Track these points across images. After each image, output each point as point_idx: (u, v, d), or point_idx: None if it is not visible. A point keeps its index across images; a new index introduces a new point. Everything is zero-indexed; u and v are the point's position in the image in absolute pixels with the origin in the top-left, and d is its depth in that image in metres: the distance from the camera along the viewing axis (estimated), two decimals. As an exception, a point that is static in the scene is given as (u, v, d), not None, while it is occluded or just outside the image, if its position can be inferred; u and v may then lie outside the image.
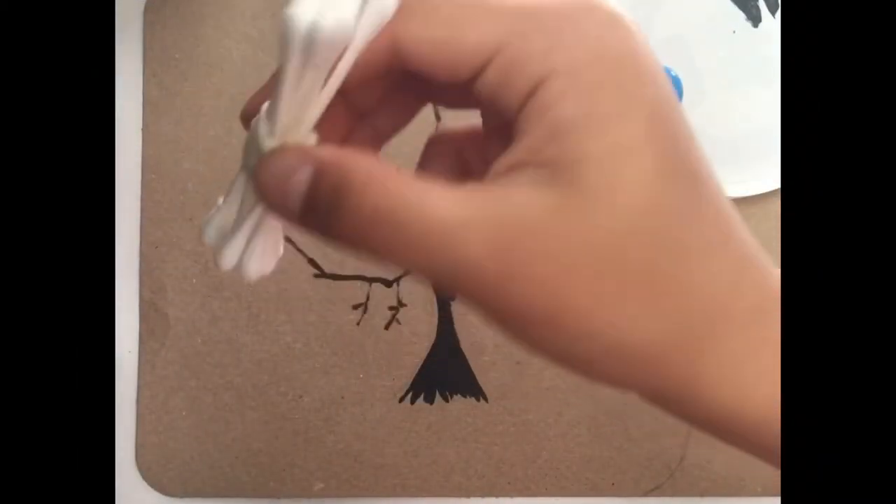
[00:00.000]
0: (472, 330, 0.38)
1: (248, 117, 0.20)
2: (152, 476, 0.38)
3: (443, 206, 0.17)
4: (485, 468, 0.38)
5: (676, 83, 0.38)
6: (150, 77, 0.38)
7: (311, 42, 0.18)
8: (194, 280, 0.38)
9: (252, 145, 0.19)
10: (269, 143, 0.19)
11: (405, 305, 0.38)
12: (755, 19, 0.38)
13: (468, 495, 0.38)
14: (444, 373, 0.38)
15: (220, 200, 0.22)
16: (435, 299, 0.38)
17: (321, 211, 0.18)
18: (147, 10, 0.39)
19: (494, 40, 0.17)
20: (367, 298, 0.38)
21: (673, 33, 0.38)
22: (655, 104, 0.19)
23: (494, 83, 0.17)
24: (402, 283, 0.38)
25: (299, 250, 0.38)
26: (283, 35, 0.18)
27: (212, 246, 0.23)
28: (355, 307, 0.38)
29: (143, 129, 0.38)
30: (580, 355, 0.18)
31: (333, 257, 0.38)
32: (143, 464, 0.38)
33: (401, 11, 0.18)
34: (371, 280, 0.38)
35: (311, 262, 0.38)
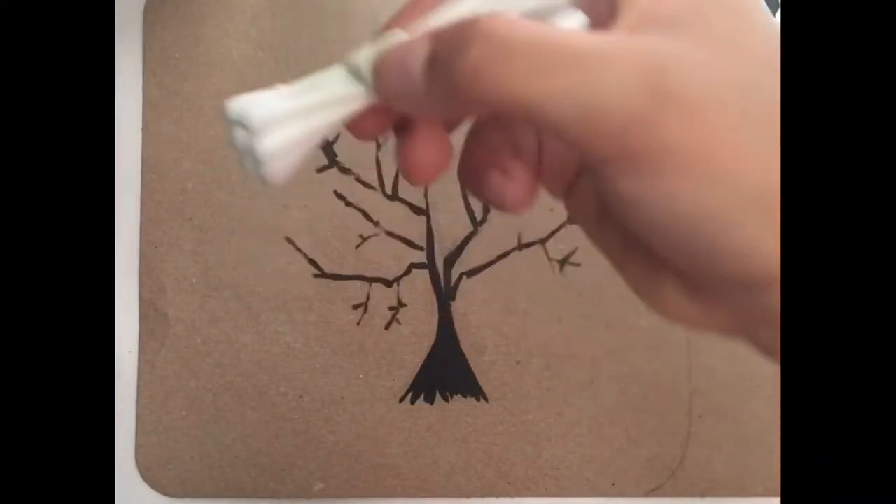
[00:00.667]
0: (472, 330, 0.38)
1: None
2: (152, 476, 0.38)
3: (585, 38, 0.16)
4: (485, 468, 0.38)
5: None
6: (150, 77, 0.38)
7: None
8: (194, 280, 0.38)
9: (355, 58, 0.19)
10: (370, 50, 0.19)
11: (405, 305, 0.38)
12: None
13: (468, 495, 0.38)
14: (444, 373, 0.38)
15: (279, 87, 0.20)
16: (435, 299, 0.38)
17: (445, 60, 0.16)
18: (147, 10, 0.39)
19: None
20: (367, 298, 0.38)
21: (673, 33, 0.38)
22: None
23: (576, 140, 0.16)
24: (402, 283, 0.38)
25: (299, 250, 0.38)
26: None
27: (244, 124, 0.21)
28: (355, 307, 0.38)
29: (143, 129, 0.38)
30: (716, 206, 0.17)
31: (333, 257, 0.38)
32: (142, 464, 0.38)
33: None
34: (371, 280, 0.38)
35: (312, 262, 0.38)
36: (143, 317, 0.38)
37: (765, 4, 0.20)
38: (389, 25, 0.19)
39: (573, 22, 0.18)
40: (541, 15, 0.17)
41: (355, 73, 0.19)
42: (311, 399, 0.38)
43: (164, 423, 0.38)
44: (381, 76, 0.18)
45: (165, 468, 0.38)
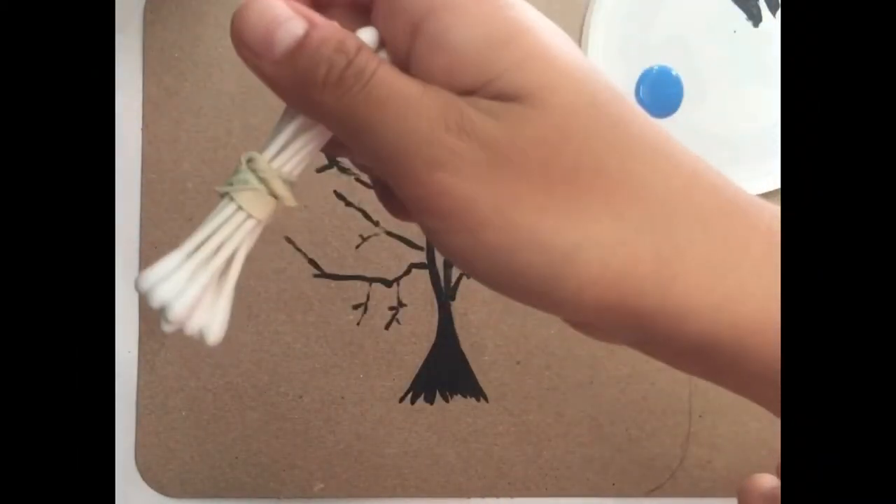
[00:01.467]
0: (472, 330, 0.38)
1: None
2: (152, 476, 0.38)
3: (398, 79, 0.17)
4: (485, 468, 0.38)
5: (676, 83, 0.38)
6: (150, 76, 0.38)
7: None
8: (194, 280, 0.38)
9: None
10: None
11: (405, 305, 0.38)
12: (755, 19, 0.38)
13: (468, 495, 0.38)
14: (444, 373, 0.38)
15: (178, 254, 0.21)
16: (435, 299, 0.38)
17: (310, 72, 0.18)
18: (147, 10, 0.39)
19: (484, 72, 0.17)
20: (367, 298, 0.38)
21: (673, 33, 0.38)
22: (546, 21, 0.18)
23: (379, 19, 0.18)
24: (402, 283, 0.38)
25: (299, 250, 0.38)
26: None
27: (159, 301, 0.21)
28: (355, 307, 0.38)
29: (143, 129, 0.38)
30: (533, 273, 0.17)
31: (333, 257, 0.38)
32: (142, 464, 0.38)
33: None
34: (371, 280, 0.38)
35: (311, 262, 0.38)
36: (143, 317, 0.38)
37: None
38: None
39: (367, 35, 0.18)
40: None
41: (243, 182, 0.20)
42: (311, 399, 0.38)
43: (164, 423, 0.38)
44: (241, 29, 0.19)
45: (165, 468, 0.38)
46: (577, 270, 0.16)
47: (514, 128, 0.16)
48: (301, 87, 0.19)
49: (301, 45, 0.18)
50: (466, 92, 0.17)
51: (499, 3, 0.17)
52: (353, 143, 0.18)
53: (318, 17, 0.18)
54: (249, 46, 0.19)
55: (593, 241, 0.16)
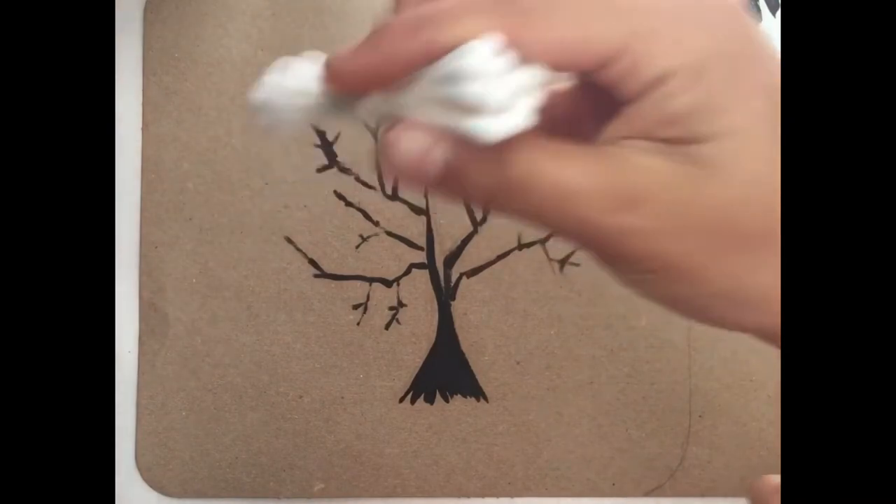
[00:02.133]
0: (472, 330, 0.38)
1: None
2: (152, 476, 0.38)
3: (572, 174, 0.19)
4: (485, 468, 0.38)
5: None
6: (150, 76, 0.38)
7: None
8: (194, 280, 0.38)
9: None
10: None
11: (405, 305, 0.38)
12: (755, 19, 0.38)
13: (468, 495, 0.38)
14: (444, 373, 0.38)
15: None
16: (435, 299, 0.38)
17: (452, 185, 0.19)
18: (147, 10, 0.39)
19: (619, 42, 0.18)
20: (367, 298, 0.38)
21: (673, 33, 0.38)
22: (769, 90, 0.20)
23: (616, 78, 0.18)
24: (403, 283, 0.38)
25: (299, 250, 0.38)
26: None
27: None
28: (355, 307, 0.38)
29: (143, 129, 0.38)
30: (693, 300, 0.20)
31: (333, 257, 0.38)
32: (142, 464, 0.38)
33: (519, 12, 0.18)
34: (371, 280, 0.38)
35: (311, 262, 0.38)
36: (143, 317, 0.38)
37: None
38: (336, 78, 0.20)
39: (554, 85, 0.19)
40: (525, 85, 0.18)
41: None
42: (311, 399, 0.38)
43: (164, 423, 0.38)
44: (392, 159, 0.19)
45: (165, 468, 0.38)
46: (771, 307, 0.20)
47: (694, 194, 0.18)
48: (466, 179, 0.20)
49: (452, 166, 0.19)
50: (639, 135, 0.19)
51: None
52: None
53: (456, 147, 0.19)
54: (404, 174, 0.19)
55: (748, 281, 0.20)
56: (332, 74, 0.20)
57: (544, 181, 0.19)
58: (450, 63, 0.18)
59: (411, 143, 0.19)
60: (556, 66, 0.18)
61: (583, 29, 0.18)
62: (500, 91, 0.18)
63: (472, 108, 0.18)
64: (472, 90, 0.17)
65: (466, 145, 0.18)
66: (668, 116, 0.18)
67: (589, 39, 0.18)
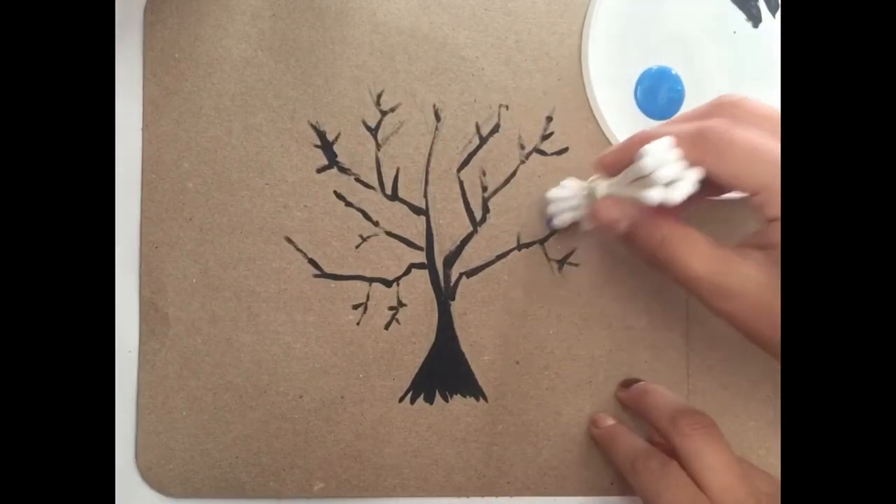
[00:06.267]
0: (472, 330, 0.38)
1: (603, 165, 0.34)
2: (152, 476, 0.38)
3: (695, 266, 0.30)
4: (485, 468, 0.38)
5: (677, 83, 0.38)
6: (150, 77, 0.38)
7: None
8: (194, 280, 0.38)
9: (592, 189, 0.33)
10: (602, 188, 0.33)
11: (405, 305, 0.38)
12: (755, 19, 0.38)
13: (468, 495, 0.38)
14: (444, 373, 0.38)
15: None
16: (435, 299, 0.38)
17: (630, 241, 0.32)
18: (147, 10, 0.39)
19: (758, 184, 0.28)
20: (367, 298, 0.38)
21: (673, 33, 0.38)
22: None
23: (755, 204, 0.29)
24: (402, 283, 0.38)
25: (299, 250, 0.38)
26: (643, 165, 0.29)
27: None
28: (355, 307, 0.38)
29: (143, 129, 0.38)
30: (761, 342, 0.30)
31: (333, 257, 0.38)
32: (143, 464, 0.38)
33: (703, 147, 0.29)
34: (371, 280, 0.38)
35: (311, 262, 0.38)
36: (143, 317, 0.38)
37: None
38: (599, 166, 0.34)
39: (691, 182, 0.29)
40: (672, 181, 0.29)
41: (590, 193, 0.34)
42: (311, 399, 0.38)
43: (164, 423, 0.38)
44: (599, 219, 0.32)
45: (165, 468, 0.38)
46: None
47: (775, 298, 0.28)
48: (636, 244, 0.32)
49: (629, 233, 0.32)
50: (758, 247, 0.29)
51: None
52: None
53: (640, 213, 0.31)
54: (604, 229, 0.32)
55: None
56: (600, 163, 0.33)
57: (677, 264, 0.30)
58: (647, 152, 0.29)
59: (611, 211, 0.32)
60: (723, 184, 0.29)
61: (737, 169, 0.28)
62: (669, 173, 0.28)
63: (650, 182, 0.29)
64: (661, 171, 0.29)
65: (640, 220, 0.31)
66: (777, 244, 0.28)
67: (738, 177, 0.28)
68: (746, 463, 0.34)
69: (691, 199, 0.32)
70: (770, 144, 0.28)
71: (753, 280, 0.29)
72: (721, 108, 0.31)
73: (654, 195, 0.29)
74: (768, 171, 0.28)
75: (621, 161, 0.32)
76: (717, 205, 0.35)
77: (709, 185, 0.30)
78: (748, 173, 0.28)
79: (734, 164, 0.28)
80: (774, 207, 0.28)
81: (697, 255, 0.30)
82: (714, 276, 0.29)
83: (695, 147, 0.29)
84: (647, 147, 0.29)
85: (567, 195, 0.36)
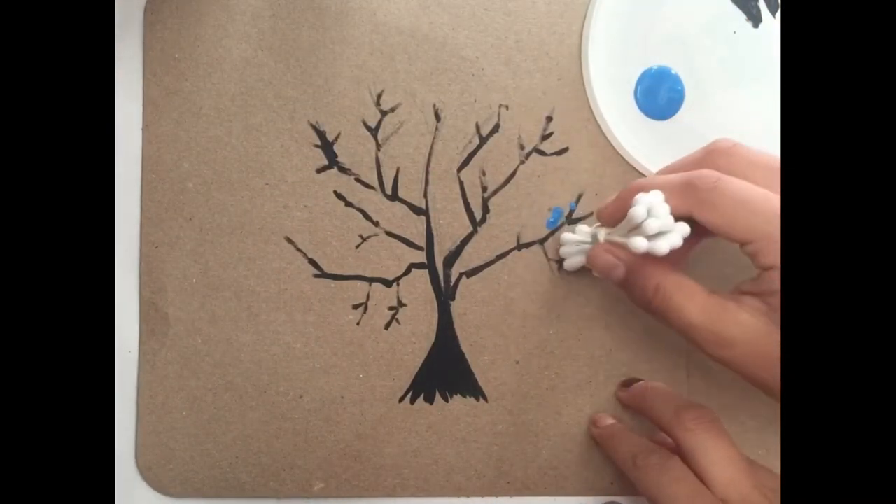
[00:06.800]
0: (472, 330, 0.38)
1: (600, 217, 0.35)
2: (152, 476, 0.38)
3: (691, 314, 0.30)
4: (485, 468, 0.38)
5: (677, 83, 0.38)
6: (150, 77, 0.38)
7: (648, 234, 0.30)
8: (194, 280, 0.38)
9: (595, 235, 0.35)
10: (602, 235, 0.34)
11: (405, 305, 0.38)
12: (755, 19, 0.38)
13: (468, 495, 0.38)
14: (444, 373, 0.38)
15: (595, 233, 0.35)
16: (435, 299, 0.38)
17: (627, 288, 0.33)
18: (147, 10, 0.39)
19: (750, 235, 0.29)
20: (367, 298, 0.38)
21: (673, 33, 0.38)
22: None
23: (748, 253, 0.29)
24: (402, 283, 0.38)
25: (299, 250, 0.38)
26: (633, 217, 0.30)
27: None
28: (355, 307, 0.38)
29: (143, 129, 0.38)
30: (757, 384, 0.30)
31: (333, 257, 0.38)
32: (143, 464, 0.38)
33: (695, 199, 0.30)
34: (371, 280, 0.38)
35: (311, 262, 0.38)
36: (144, 317, 0.38)
37: None
38: (598, 217, 0.36)
39: (680, 234, 0.30)
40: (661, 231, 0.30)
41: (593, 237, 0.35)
42: (311, 399, 0.38)
43: (164, 423, 0.38)
44: (593, 265, 0.34)
45: (165, 468, 0.38)
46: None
47: (773, 347, 0.29)
48: (631, 292, 0.33)
49: (624, 280, 0.33)
50: (755, 294, 0.30)
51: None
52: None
53: (635, 260, 0.32)
54: (600, 273, 0.34)
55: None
56: (598, 215, 0.35)
57: (673, 312, 0.31)
58: (639, 201, 0.30)
59: (606, 258, 0.33)
60: (715, 233, 0.30)
61: (727, 220, 0.29)
62: (656, 224, 0.29)
63: (642, 231, 0.30)
64: (648, 221, 0.29)
65: (635, 267, 0.32)
66: (772, 292, 0.29)
67: (729, 227, 0.29)
68: (749, 459, 0.34)
69: (689, 244, 0.33)
70: (760, 192, 0.29)
71: (751, 328, 0.29)
72: (713, 155, 0.31)
73: (640, 244, 0.30)
74: (759, 221, 0.28)
75: (619, 211, 0.33)
76: (715, 247, 0.36)
77: (702, 230, 0.30)
78: (738, 223, 0.29)
79: (724, 214, 0.29)
80: (767, 256, 0.28)
81: (693, 303, 0.30)
82: (711, 325, 0.30)
83: (684, 197, 0.30)
84: (638, 196, 0.30)
85: (579, 239, 0.37)
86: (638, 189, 0.32)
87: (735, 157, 0.30)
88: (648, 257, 0.31)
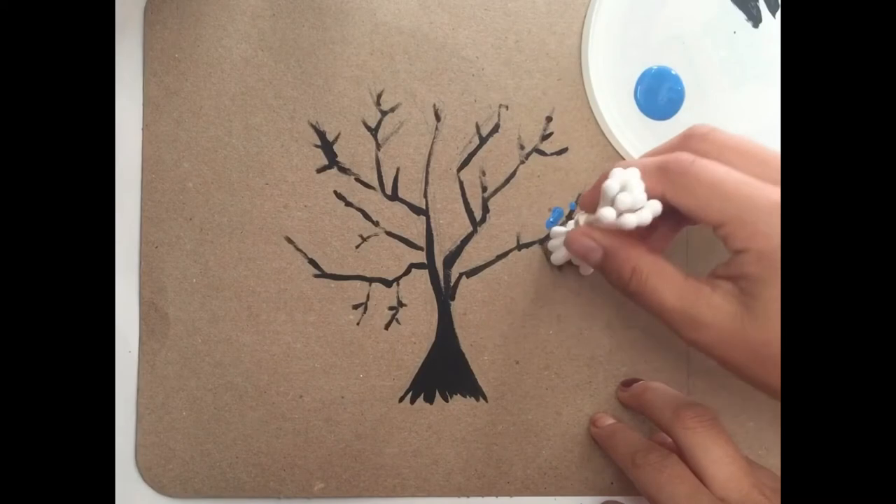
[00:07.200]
0: (472, 330, 0.38)
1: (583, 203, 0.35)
2: (152, 476, 0.38)
3: (667, 297, 0.30)
4: (484, 468, 0.38)
5: (677, 83, 0.38)
6: (150, 77, 0.38)
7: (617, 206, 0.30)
8: (194, 280, 0.38)
9: (577, 222, 0.34)
10: (582, 220, 0.34)
11: (405, 305, 0.38)
12: (755, 19, 0.38)
13: (468, 495, 0.38)
14: (444, 373, 0.38)
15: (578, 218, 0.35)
16: (435, 299, 0.38)
17: (604, 271, 0.33)
18: (147, 10, 0.39)
19: (722, 217, 0.29)
20: (367, 298, 0.38)
21: (673, 33, 0.38)
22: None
23: (720, 236, 0.29)
24: (402, 283, 0.38)
25: (299, 250, 0.38)
26: (605, 190, 0.31)
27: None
28: (355, 307, 0.38)
29: (143, 129, 0.38)
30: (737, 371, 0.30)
31: (333, 257, 0.38)
32: (142, 464, 0.38)
33: (667, 180, 0.30)
34: (371, 280, 0.38)
35: (311, 262, 0.38)
36: (144, 317, 0.38)
37: None
38: (580, 204, 0.36)
39: (650, 210, 0.30)
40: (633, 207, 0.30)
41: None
42: (311, 399, 0.38)
43: (164, 423, 0.38)
44: (570, 248, 0.34)
45: (165, 468, 0.38)
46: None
47: (742, 329, 0.29)
48: (608, 275, 0.33)
49: (601, 263, 0.32)
50: (728, 277, 0.30)
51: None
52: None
53: (613, 243, 0.32)
54: (578, 257, 0.34)
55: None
56: (580, 202, 0.35)
57: (649, 294, 0.31)
58: (613, 174, 0.31)
59: (583, 241, 0.33)
60: (690, 217, 0.30)
61: (700, 202, 0.29)
62: (628, 199, 0.30)
63: (619, 209, 0.30)
64: (620, 195, 0.30)
65: (612, 250, 0.32)
66: (743, 275, 0.28)
67: (702, 209, 0.29)
68: (748, 458, 0.34)
69: (668, 232, 0.34)
70: (733, 176, 0.29)
71: (724, 310, 0.29)
72: (690, 139, 0.31)
73: (608, 213, 0.30)
74: (731, 204, 0.28)
75: (597, 194, 0.32)
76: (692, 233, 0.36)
77: (681, 215, 0.30)
78: (711, 206, 0.29)
79: (696, 197, 0.29)
80: (739, 239, 0.28)
81: (668, 286, 0.30)
82: (685, 307, 0.30)
83: (658, 180, 0.30)
84: (613, 171, 0.30)
85: (565, 231, 0.36)
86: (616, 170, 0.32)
87: (709, 142, 0.31)
88: (626, 240, 0.31)
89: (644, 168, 0.31)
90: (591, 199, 0.34)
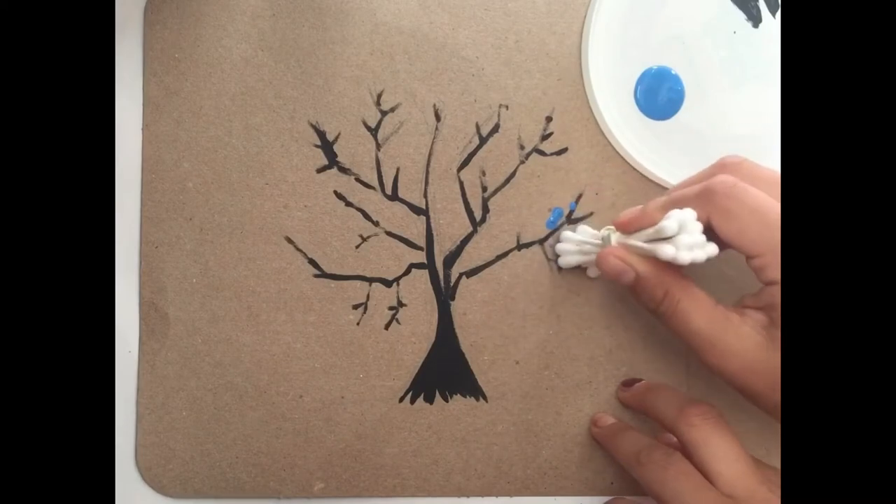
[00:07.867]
0: (472, 330, 0.38)
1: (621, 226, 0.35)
2: (152, 476, 0.38)
3: (696, 322, 0.31)
4: (485, 468, 0.38)
5: (677, 83, 0.38)
6: (150, 77, 0.38)
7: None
8: (194, 280, 0.38)
9: (607, 238, 0.35)
10: (615, 239, 0.34)
11: (405, 305, 0.38)
12: (755, 19, 0.38)
13: (468, 495, 0.38)
14: (444, 373, 0.38)
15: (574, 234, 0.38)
16: (435, 299, 0.38)
17: (636, 292, 0.33)
18: (147, 10, 0.39)
19: (757, 249, 0.29)
20: (367, 298, 0.38)
21: (673, 33, 0.38)
22: None
23: (754, 266, 0.30)
24: (402, 283, 0.38)
25: (299, 250, 0.38)
26: (663, 228, 0.31)
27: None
28: (355, 307, 0.38)
29: (143, 129, 0.38)
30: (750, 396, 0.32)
31: (333, 257, 0.38)
32: (142, 464, 0.38)
33: (712, 208, 0.30)
34: (371, 280, 0.38)
35: (311, 262, 0.38)
36: (144, 317, 0.38)
37: None
38: (617, 225, 0.35)
39: (706, 253, 0.30)
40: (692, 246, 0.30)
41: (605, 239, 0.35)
42: (311, 399, 0.38)
43: (164, 423, 0.38)
44: (602, 267, 0.34)
45: (165, 468, 0.38)
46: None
47: (766, 359, 0.30)
48: (639, 296, 0.33)
49: (634, 284, 0.33)
50: (759, 308, 0.31)
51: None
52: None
53: (647, 269, 0.32)
54: (609, 277, 0.34)
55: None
56: (618, 221, 0.35)
57: (679, 317, 0.31)
58: (672, 216, 0.30)
59: (617, 262, 0.33)
60: (727, 243, 0.30)
61: (742, 227, 0.29)
62: (689, 240, 0.30)
63: (671, 243, 0.30)
64: (682, 237, 0.30)
65: (646, 272, 0.32)
66: (776, 306, 0.30)
67: (742, 235, 0.30)
68: (753, 457, 0.34)
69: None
70: (774, 206, 0.29)
71: (752, 340, 0.30)
72: (723, 169, 0.32)
73: (668, 250, 0.30)
74: (770, 235, 0.29)
75: (640, 222, 0.33)
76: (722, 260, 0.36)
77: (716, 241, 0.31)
78: (750, 234, 0.29)
79: (738, 220, 0.30)
80: (773, 271, 0.29)
81: (699, 311, 0.31)
82: (713, 333, 0.31)
83: (703, 202, 0.31)
84: (672, 212, 0.31)
85: (579, 238, 0.37)
86: (666, 204, 0.32)
87: (742, 172, 0.31)
88: (660, 264, 0.32)
89: (688, 194, 0.31)
90: (630, 224, 0.34)
